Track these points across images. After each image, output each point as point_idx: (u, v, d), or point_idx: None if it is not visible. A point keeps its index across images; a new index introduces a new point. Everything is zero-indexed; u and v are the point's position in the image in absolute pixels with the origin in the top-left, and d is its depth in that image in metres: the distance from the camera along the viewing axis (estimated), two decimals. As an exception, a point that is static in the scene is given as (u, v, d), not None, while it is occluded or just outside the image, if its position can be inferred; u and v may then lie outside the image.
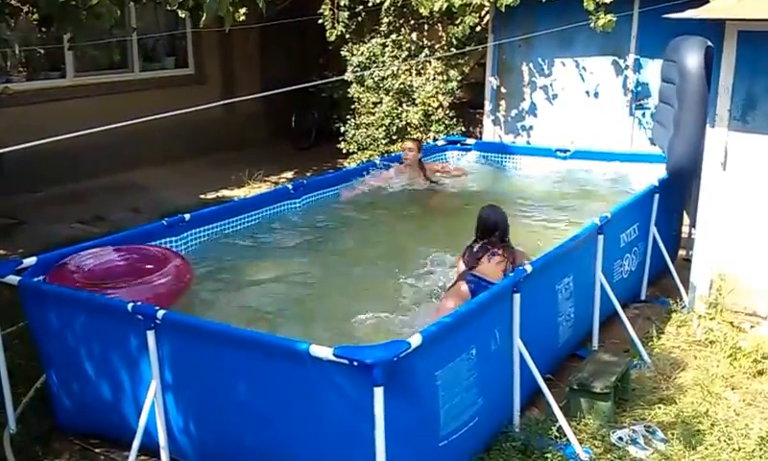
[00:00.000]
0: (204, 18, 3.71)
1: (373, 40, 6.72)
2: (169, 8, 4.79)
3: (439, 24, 6.82)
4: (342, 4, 6.64)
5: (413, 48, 6.76)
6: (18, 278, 2.96)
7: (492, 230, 3.38)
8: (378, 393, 2.21)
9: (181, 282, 3.13)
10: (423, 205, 4.96)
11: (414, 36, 6.84)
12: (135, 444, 2.67)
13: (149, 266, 3.16)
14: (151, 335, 2.62)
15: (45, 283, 3.03)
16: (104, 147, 6.46)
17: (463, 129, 6.82)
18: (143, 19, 7.87)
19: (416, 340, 2.35)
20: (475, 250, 3.35)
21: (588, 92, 6.14)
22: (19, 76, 7.16)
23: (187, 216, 3.83)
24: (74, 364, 2.94)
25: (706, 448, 2.93)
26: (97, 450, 2.97)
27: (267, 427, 2.58)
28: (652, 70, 5.68)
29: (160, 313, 2.60)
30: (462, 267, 3.35)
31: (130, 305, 2.66)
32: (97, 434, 3.02)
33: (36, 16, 4.53)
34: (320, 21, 6.75)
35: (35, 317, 3.04)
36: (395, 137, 6.76)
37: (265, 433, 2.59)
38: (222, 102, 3.55)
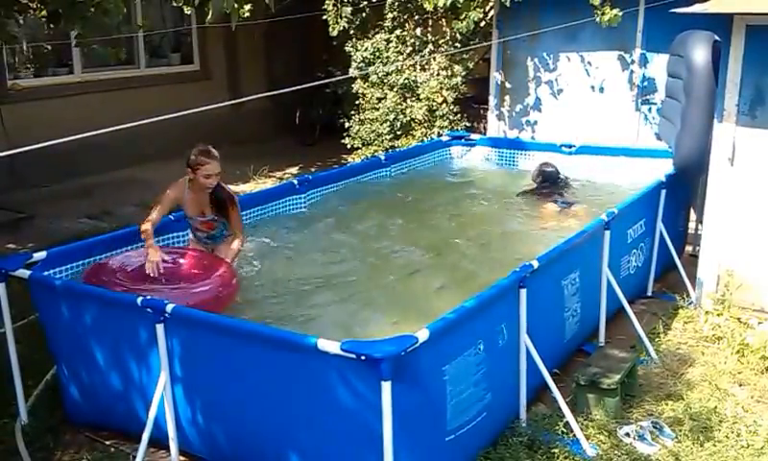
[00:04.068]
0: (210, 16, 3.72)
1: (377, 36, 6.71)
2: (175, 4, 4.81)
3: (443, 19, 6.80)
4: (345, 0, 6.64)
5: (417, 43, 6.74)
6: (29, 271, 2.98)
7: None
8: (386, 387, 2.21)
9: (225, 290, 3.11)
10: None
11: (418, 31, 6.82)
12: (145, 436, 2.69)
13: (194, 271, 3.17)
14: (160, 328, 2.64)
15: (58, 278, 3.05)
16: (110, 142, 6.48)
17: (467, 124, 6.81)
18: (149, 16, 7.89)
19: (423, 335, 2.35)
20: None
21: (593, 87, 6.11)
22: (27, 72, 7.20)
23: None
24: (84, 357, 2.97)
25: (714, 445, 2.93)
26: (107, 442, 2.99)
27: (275, 421, 2.59)
28: (658, 65, 5.64)
29: (169, 307, 2.62)
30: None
31: (139, 299, 2.68)
32: (107, 426, 3.05)
33: (43, 13, 4.55)
34: (324, 17, 6.75)
35: (45, 310, 3.06)
36: (399, 133, 6.76)
37: (273, 426, 2.60)
38: (229, 102, 3.56)
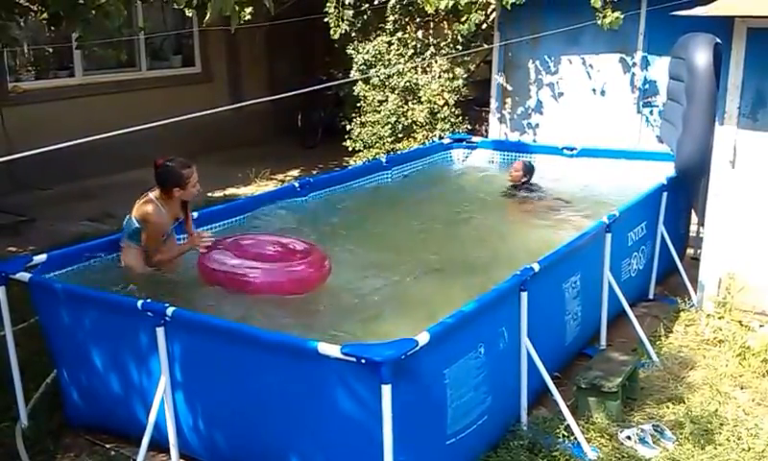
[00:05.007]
0: (208, 17, 3.72)
1: (379, 38, 6.72)
2: (176, 6, 4.82)
3: (444, 22, 6.81)
4: (347, 2, 6.65)
5: (419, 46, 6.75)
6: (29, 274, 2.99)
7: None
8: (386, 391, 2.21)
9: (317, 272, 3.27)
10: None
11: (419, 33, 6.83)
12: (145, 440, 2.69)
13: (290, 255, 3.34)
14: (160, 332, 2.64)
15: (58, 280, 3.05)
16: (112, 145, 6.48)
17: (468, 127, 6.81)
18: (150, 18, 7.91)
19: (423, 338, 2.35)
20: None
21: (594, 90, 6.11)
22: (28, 74, 7.22)
23: (195, 214, 3.85)
24: (84, 360, 2.97)
25: (715, 448, 2.92)
26: (107, 446, 2.99)
27: (275, 424, 2.59)
28: (660, 67, 5.64)
29: (170, 310, 2.62)
30: None
31: (140, 302, 2.68)
32: (107, 430, 3.05)
33: (44, 15, 4.56)
34: (325, 19, 6.76)
35: (45, 314, 3.07)
36: (400, 135, 6.76)
37: (273, 430, 2.60)
38: (231, 106, 3.57)
